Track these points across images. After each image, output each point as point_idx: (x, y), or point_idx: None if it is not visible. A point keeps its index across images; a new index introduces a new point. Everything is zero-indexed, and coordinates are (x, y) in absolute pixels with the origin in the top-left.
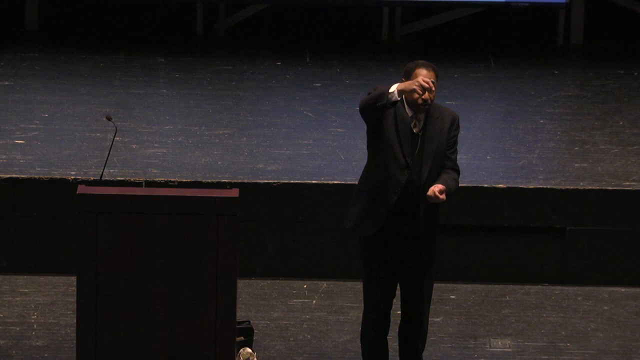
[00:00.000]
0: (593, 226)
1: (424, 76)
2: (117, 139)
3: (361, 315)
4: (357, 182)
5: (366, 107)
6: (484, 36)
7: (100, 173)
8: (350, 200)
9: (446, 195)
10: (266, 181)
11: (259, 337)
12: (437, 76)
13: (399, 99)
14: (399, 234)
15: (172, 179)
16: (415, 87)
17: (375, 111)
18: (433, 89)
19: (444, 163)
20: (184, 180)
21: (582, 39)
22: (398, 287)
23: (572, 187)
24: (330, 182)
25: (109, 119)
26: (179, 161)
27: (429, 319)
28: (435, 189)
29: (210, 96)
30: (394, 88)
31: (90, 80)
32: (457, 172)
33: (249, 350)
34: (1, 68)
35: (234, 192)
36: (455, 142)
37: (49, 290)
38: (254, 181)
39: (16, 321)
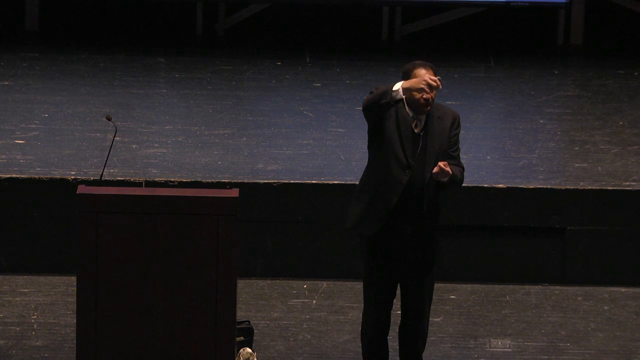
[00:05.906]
0: (593, 226)
1: (423, 75)
2: (117, 139)
3: (361, 315)
4: (357, 182)
5: (369, 105)
6: (484, 36)
7: (100, 173)
8: (351, 200)
9: (451, 181)
10: (266, 181)
11: (259, 337)
12: (435, 75)
13: (403, 96)
14: (401, 234)
15: (172, 179)
16: (422, 85)
17: (379, 109)
18: (440, 86)
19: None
20: (184, 180)
21: (582, 39)
22: (398, 287)
23: (572, 187)
24: (330, 182)
25: (108, 119)
26: (179, 161)
27: (429, 319)
28: (441, 163)
29: (210, 96)
30: (398, 86)
31: (90, 80)
32: (462, 168)
33: (249, 350)
34: (1, 68)
35: (234, 192)
36: (457, 141)
37: (49, 290)
38: (254, 181)
39: (16, 321)
